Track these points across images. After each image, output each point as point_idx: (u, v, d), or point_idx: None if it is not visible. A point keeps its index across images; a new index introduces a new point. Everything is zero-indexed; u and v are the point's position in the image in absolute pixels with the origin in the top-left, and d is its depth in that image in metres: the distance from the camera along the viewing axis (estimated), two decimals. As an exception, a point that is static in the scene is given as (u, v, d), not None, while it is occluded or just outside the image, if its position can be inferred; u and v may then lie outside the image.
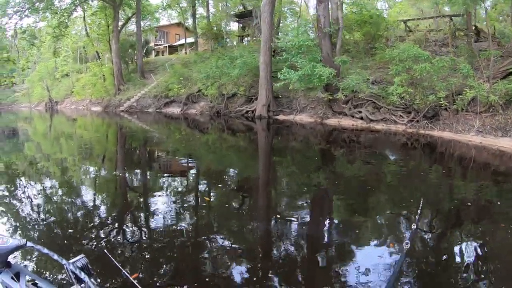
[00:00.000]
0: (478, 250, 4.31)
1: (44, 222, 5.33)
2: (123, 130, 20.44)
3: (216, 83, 19.55)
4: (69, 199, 6.62)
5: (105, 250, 3.83)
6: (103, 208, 6.26)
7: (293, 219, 5.39)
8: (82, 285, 1.75)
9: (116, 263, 2.42)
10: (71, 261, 1.77)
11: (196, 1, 30.49)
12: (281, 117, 16.53)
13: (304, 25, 19.22)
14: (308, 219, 5.53)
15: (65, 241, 4.56)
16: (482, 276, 3.74)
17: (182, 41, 36.98)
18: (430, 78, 13.70)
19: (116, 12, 27.93)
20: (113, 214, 5.81)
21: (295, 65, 15.37)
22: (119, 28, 28.91)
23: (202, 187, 7.98)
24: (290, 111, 16.76)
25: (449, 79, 13.62)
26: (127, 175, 8.71)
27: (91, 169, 9.75)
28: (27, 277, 1.81)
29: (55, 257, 1.78)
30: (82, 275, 1.74)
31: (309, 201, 6.52)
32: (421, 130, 13.61)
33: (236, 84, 19.04)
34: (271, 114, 16.54)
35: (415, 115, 14.04)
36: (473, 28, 16.54)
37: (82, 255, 1.83)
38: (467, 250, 4.29)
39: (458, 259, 4.09)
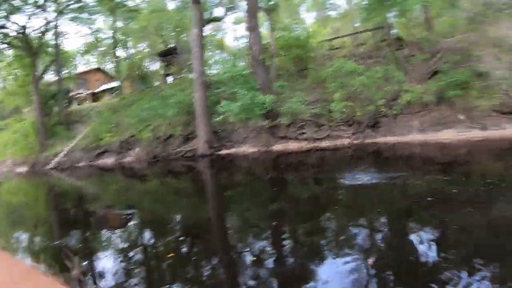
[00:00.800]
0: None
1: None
2: (55, 190, 18.51)
3: (150, 126, 18.27)
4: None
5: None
6: None
7: (251, 256, 5.21)
8: None
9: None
10: None
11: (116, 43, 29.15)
12: (223, 151, 15.73)
13: (237, 55, 18.96)
14: (267, 254, 5.23)
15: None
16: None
17: (104, 87, 35.11)
18: (368, 89, 13.94)
19: (34, 61, 25.81)
20: None
21: (231, 97, 14.84)
22: (38, 78, 26.62)
23: (147, 238, 7.54)
24: (231, 144, 16.03)
25: (385, 88, 14.02)
26: (62, 240, 7.70)
27: (23, 238, 8.99)
28: None
29: None
30: None
31: (265, 233, 6.23)
32: (366, 140, 13.85)
33: (170, 124, 17.93)
34: (213, 151, 15.66)
35: (357, 127, 14.12)
36: (395, 38, 17.41)
37: None
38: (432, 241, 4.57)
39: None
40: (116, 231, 8.14)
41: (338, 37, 19.19)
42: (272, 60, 15.87)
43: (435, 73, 14.30)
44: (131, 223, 8.99)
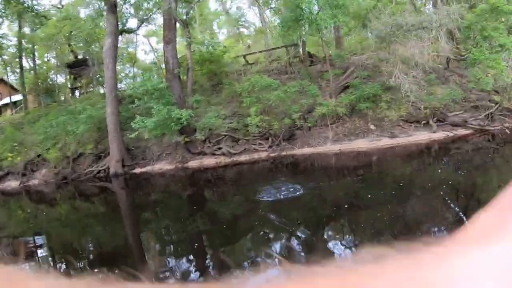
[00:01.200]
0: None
1: None
2: None
3: (58, 144, 16.84)
4: None
5: None
6: None
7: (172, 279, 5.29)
8: None
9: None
10: None
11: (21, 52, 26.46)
12: (137, 170, 15.13)
13: (150, 69, 18.40)
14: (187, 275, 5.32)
15: None
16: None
17: (6, 100, 31.50)
18: (283, 103, 14.46)
19: None
20: None
21: (145, 112, 14.31)
22: None
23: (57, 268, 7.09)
24: (145, 162, 15.50)
25: (301, 101, 14.66)
26: None
27: None
28: None
29: None
30: None
31: (183, 253, 6.36)
32: (283, 152, 14.26)
33: (80, 142, 16.75)
34: (127, 169, 14.94)
35: (273, 140, 14.55)
36: (307, 54, 18.37)
37: None
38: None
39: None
40: (22, 263, 7.78)
41: (252, 53, 19.71)
42: (188, 74, 15.69)
43: (347, 87, 15.42)
44: (40, 252, 8.66)
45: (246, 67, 18.51)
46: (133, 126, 13.75)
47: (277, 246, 5.66)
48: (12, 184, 18.48)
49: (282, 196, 8.32)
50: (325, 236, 5.73)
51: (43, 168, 18.03)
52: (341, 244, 5.23)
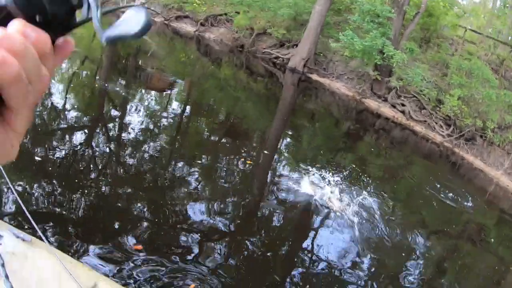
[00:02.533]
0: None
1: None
2: None
3: (249, 13, 16.86)
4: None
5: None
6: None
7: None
8: None
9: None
10: None
11: None
12: (314, 77, 14.73)
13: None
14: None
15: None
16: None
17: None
18: (488, 106, 12.82)
19: None
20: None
21: (353, 28, 13.52)
22: None
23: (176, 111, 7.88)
24: (325, 74, 14.93)
25: (505, 116, 12.88)
26: (107, 85, 8.15)
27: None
28: None
29: None
30: None
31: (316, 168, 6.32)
32: (456, 149, 12.84)
33: (271, 22, 16.51)
34: (306, 70, 14.57)
35: (453, 131, 13.10)
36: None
37: None
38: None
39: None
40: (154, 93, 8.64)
41: (477, 32, 17.27)
42: (415, 18, 14.29)
43: None
44: (172, 91, 9.24)
45: (459, 42, 16.46)
46: (340, 38, 13.13)
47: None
48: (188, 28, 19.35)
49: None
50: None
51: (222, 27, 18.56)
52: None
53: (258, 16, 16.56)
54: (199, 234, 3.86)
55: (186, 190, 4.67)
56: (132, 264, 3.24)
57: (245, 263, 3.72)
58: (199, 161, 5.72)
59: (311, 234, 4.72)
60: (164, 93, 9.42)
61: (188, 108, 8.57)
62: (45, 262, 1.83)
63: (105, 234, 3.61)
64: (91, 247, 3.22)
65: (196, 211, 4.24)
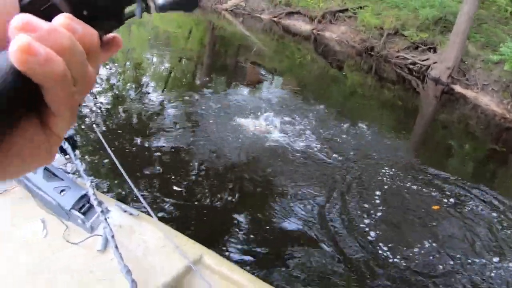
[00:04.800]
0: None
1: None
2: (216, 32, 17.61)
3: (379, 14, 15.91)
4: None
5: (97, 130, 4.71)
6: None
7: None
8: (66, 156, 1.84)
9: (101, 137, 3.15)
10: None
11: None
12: (458, 88, 13.59)
13: None
14: None
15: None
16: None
17: None
18: None
19: None
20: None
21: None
22: None
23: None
24: (467, 85, 13.72)
25: None
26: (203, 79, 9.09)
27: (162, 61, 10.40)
28: None
29: None
30: (66, 146, 1.80)
31: None
32: None
33: (400, 20, 15.42)
34: (449, 81, 13.58)
35: None
36: None
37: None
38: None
39: None
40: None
41: None
42: None
43: None
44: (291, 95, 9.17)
45: None
46: (501, 50, 11.93)
47: None
48: (302, 26, 18.82)
49: None
50: None
51: (342, 25, 17.82)
52: None
53: (389, 14, 15.58)
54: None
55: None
56: (235, 241, 3.83)
57: None
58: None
59: None
60: (283, 95, 9.64)
61: (308, 112, 8.52)
62: (151, 234, 1.90)
63: (208, 211, 4.21)
64: (196, 224, 3.79)
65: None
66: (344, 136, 7.67)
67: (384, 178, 6.16)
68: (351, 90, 13.01)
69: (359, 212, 5.07)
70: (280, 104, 8.80)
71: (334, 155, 6.52)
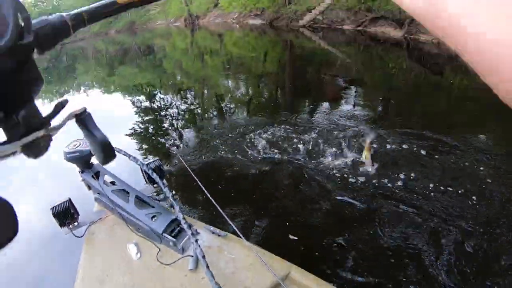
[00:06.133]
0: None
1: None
2: (294, 51, 16.31)
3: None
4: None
5: (178, 155, 5.27)
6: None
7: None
8: (155, 185, 2.06)
9: (187, 167, 3.63)
10: (146, 162, 2.07)
11: None
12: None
13: None
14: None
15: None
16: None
17: None
18: None
19: None
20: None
21: None
22: None
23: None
24: None
25: None
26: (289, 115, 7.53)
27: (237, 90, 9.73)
28: (106, 177, 2.08)
29: (132, 158, 2.04)
30: (154, 175, 1.99)
31: None
32: None
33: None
34: None
35: None
36: None
37: (156, 158, 2.16)
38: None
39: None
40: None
41: None
42: None
43: None
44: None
45: None
46: None
47: None
48: (391, 32, 17.71)
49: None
50: None
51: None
52: None
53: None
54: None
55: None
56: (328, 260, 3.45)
57: None
58: None
59: None
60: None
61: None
62: (240, 253, 1.98)
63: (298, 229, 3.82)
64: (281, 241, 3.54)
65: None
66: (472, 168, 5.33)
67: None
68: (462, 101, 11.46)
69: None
70: (382, 126, 7.57)
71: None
